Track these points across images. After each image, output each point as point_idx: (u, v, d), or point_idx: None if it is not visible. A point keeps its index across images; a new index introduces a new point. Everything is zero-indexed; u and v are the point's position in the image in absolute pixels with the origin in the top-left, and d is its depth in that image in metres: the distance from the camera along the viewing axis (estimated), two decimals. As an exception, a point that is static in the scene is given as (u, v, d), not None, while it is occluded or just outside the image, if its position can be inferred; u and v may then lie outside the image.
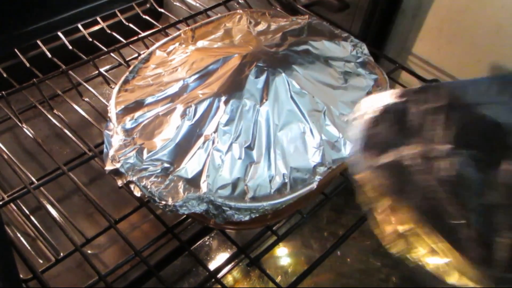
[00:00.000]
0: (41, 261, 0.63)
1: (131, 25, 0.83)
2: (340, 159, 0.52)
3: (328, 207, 0.77)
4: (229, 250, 0.69)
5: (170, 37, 0.64)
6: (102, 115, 0.68)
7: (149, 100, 0.53)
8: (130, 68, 0.58)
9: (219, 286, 0.54)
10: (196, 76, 0.54)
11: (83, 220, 0.69)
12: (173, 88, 0.54)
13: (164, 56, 0.60)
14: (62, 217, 0.60)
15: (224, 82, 0.53)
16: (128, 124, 0.52)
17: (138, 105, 0.53)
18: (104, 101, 0.70)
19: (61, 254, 0.57)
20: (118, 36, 0.80)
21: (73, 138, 0.65)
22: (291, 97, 0.53)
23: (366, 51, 0.66)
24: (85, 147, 0.64)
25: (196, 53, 0.58)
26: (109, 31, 0.81)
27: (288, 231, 0.58)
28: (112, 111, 0.53)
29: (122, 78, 0.57)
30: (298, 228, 0.60)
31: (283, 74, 0.54)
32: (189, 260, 0.67)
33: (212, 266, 0.65)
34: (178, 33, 0.64)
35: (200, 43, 0.60)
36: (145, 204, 0.59)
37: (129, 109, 0.53)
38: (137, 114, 0.52)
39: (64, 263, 0.57)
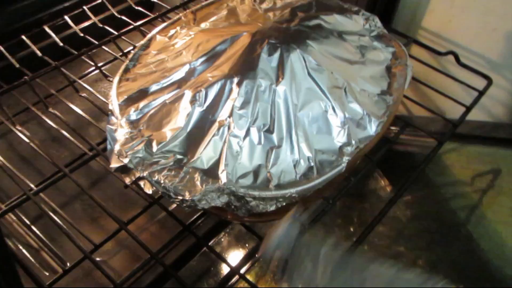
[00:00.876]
0: (47, 274, 0.58)
1: (123, 17, 0.78)
2: (367, 137, 0.48)
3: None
4: (247, 245, 0.64)
5: (169, 21, 0.59)
6: (102, 112, 0.63)
7: (153, 88, 0.49)
8: (130, 56, 0.54)
9: (244, 282, 0.50)
10: (203, 58, 0.50)
11: (88, 225, 0.64)
12: (179, 73, 0.49)
13: (166, 40, 0.55)
14: (66, 224, 0.55)
15: (235, 62, 0.48)
16: (133, 115, 0.47)
17: (142, 94, 0.49)
18: (102, 98, 0.65)
19: (68, 264, 0.53)
20: (111, 30, 0.75)
21: (72, 138, 0.61)
22: (309, 74, 0.48)
23: (379, 24, 0.61)
24: (85, 146, 0.59)
25: (200, 34, 0.53)
26: (101, 25, 0.77)
27: (316, 218, 0.53)
28: (114, 103, 0.48)
29: (122, 67, 0.52)
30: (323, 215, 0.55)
31: (298, 50, 0.49)
32: (205, 259, 0.62)
33: (232, 262, 0.61)
34: (177, 16, 0.59)
35: (204, 25, 0.55)
36: (157, 201, 0.54)
37: (132, 99, 0.48)
38: (142, 103, 0.47)
39: (71, 273, 0.53)
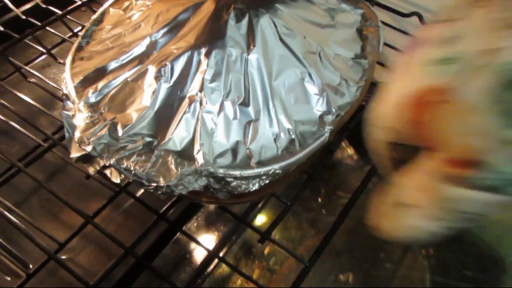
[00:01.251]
0: (8, 279, 0.53)
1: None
2: (347, 104, 0.45)
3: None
4: (222, 227, 0.61)
5: None
6: (55, 98, 0.58)
7: (112, 65, 0.44)
8: (82, 33, 0.48)
9: (224, 266, 0.46)
10: (165, 29, 0.45)
11: (49, 223, 0.59)
12: (140, 48, 0.44)
13: (121, 13, 0.50)
14: (25, 224, 0.51)
15: (200, 32, 0.44)
16: (92, 97, 0.42)
17: (100, 73, 0.44)
18: (53, 84, 0.60)
19: (31, 266, 0.48)
20: (56, 10, 0.69)
21: (23, 130, 0.55)
22: (281, 39, 0.45)
23: (343, -15, 0.58)
24: (39, 137, 0.54)
25: (159, 4, 0.48)
26: (44, 6, 0.70)
27: (297, 194, 0.50)
28: (69, 85, 0.43)
29: (75, 45, 0.47)
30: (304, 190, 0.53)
31: (267, 15, 0.45)
32: (179, 247, 0.59)
33: (209, 246, 0.58)
34: None
35: None
36: (124, 189, 0.50)
37: (89, 80, 0.43)
38: (100, 84, 0.43)
39: (37, 275, 0.48)
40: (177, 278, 0.57)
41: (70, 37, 0.66)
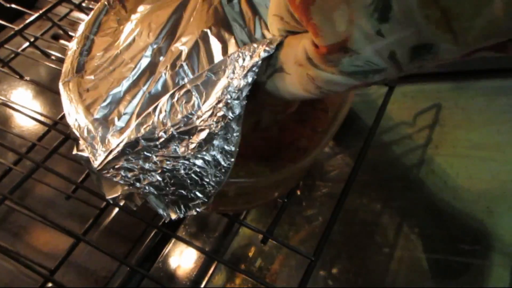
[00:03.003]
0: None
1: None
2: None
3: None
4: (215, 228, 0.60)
5: (91, 19, 0.49)
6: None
7: (125, 84, 0.41)
8: (75, 65, 0.45)
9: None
10: (163, 33, 0.43)
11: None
12: (145, 59, 0.42)
13: (109, 40, 0.47)
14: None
15: (199, 21, 0.43)
16: (120, 123, 0.40)
17: (116, 97, 0.41)
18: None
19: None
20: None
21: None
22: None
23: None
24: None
25: (145, 17, 0.46)
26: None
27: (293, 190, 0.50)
28: (85, 125, 0.40)
29: (73, 82, 0.44)
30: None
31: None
32: (175, 253, 0.57)
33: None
34: (97, 13, 0.50)
35: (141, 8, 0.48)
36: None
37: (107, 108, 0.41)
38: (121, 108, 0.40)
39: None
40: (176, 284, 0.56)
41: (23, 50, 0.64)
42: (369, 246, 0.62)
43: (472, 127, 0.68)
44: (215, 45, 0.40)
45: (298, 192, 0.70)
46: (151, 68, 0.42)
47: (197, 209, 0.37)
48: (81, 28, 0.48)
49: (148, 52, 0.43)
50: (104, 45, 0.46)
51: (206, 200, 0.36)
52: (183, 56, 0.41)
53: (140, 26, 0.45)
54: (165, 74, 0.40)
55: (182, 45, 0.41)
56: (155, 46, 0.43)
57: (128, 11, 0.49)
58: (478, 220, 0.59)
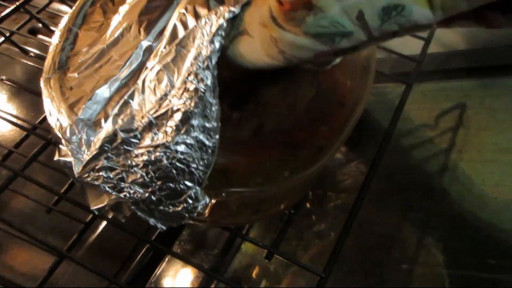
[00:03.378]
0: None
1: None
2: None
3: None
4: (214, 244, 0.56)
5: (75, 10, 0.45)
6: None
7: (114, 84, 0.37)
8: (56, 61, 0.41)
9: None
10: (156, 32, 0.39)
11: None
12: (135, 56, 0.38)
13: (94, 34, 0.43)
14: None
15: (181, 5, 0.38)
16: (122, 122, 0.35)
17: (102, 97, 0.36)
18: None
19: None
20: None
21: None
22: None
23: None
24: None
25: (134, 8, 0.42)
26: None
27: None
28: (67, 125, 0.36)
29: (54, 78, 0.39)
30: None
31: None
32: (171, 270, 0.54)
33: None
34: (81, 4, 0.46)
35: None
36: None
37: (92, 108, 0.36)
38: (109, 109, 0.36)
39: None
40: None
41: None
42: (386, 262, 0.58)
43: (500, 129, 0.64)
44: (191, 23, 0.36)
45: (308, 205, 0.66)
46: (142, 64, 0.37)
47: (190, 202, 0.33)
48: (64, 20, 0.44)
49: (139, 50, 0.38)
50: (90, 40, 0.42)
51: (198, 187, 0.33)
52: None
53: (129, 19, 0.40)
54: (155, 67, 0.36)
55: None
56: (146, 44, 0.38)
57: (116, 3, 0.45)
58: (506, 232, 0.55)
